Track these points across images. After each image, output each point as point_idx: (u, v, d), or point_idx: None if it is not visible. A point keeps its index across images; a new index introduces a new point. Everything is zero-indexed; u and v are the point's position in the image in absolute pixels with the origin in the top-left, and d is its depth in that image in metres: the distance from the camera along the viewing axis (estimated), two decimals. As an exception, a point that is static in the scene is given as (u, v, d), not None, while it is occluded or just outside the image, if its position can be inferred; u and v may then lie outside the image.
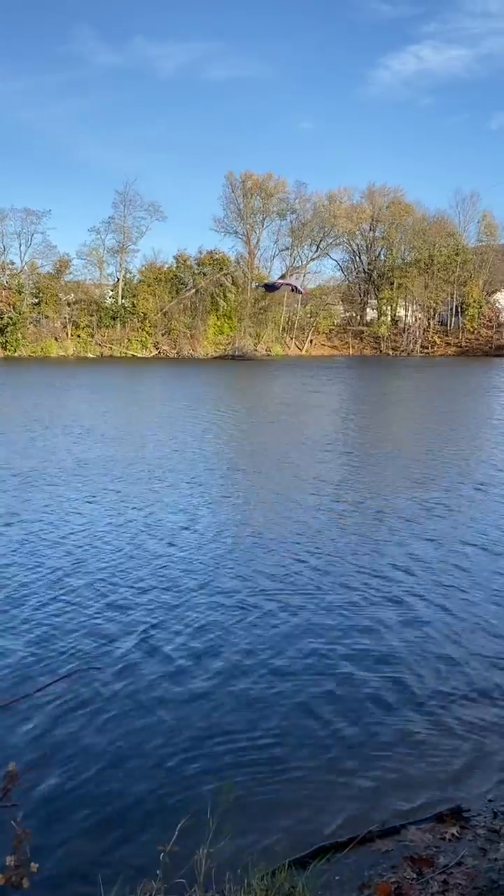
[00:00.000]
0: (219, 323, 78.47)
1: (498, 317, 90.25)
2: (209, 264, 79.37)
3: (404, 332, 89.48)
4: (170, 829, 3.76)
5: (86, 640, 7.26)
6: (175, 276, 78.93)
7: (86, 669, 6.58)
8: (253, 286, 78.69)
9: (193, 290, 77.58)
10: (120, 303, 74.99)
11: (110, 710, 5.93)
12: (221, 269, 79.59)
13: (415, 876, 4.12)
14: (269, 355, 79.37)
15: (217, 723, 5.75)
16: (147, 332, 74.95)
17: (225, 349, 77.24)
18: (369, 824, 4.57)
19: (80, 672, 6.52)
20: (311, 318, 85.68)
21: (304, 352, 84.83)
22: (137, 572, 9.33)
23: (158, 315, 74.99)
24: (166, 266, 79.73)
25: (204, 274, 78.73)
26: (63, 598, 8.39)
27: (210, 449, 19.52)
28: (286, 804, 4.77)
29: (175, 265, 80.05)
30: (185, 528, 11.45)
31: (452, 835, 4.47)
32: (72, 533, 11.14)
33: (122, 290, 76.17)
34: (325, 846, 4.37)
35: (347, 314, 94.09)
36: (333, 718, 5.82)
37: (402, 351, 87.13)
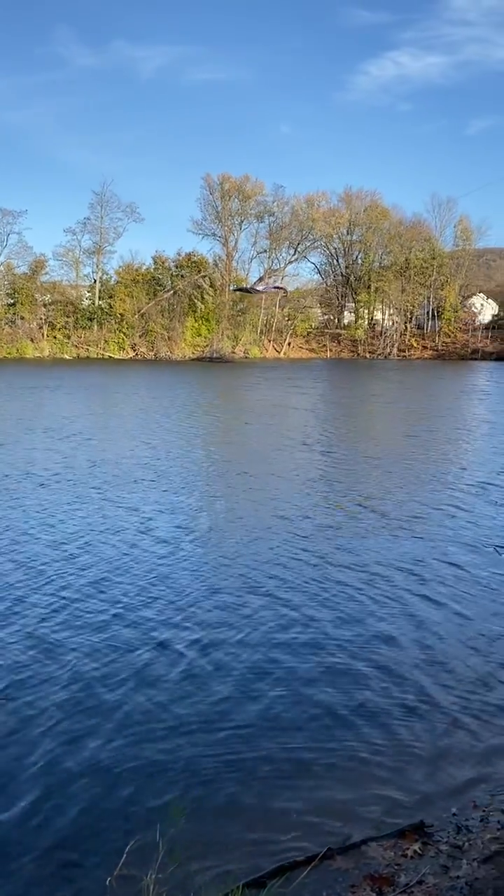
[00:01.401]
0: (196, 325, 78.20)
1: (474, 321, 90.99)
2: (187, 266, 79.11)
3: (381, 335, 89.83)
4: (117, 853, 3.60)
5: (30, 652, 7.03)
6: (153, 277, 78.56)
7: (23, 682, 6.35)
8: (231, 288, 78.54)
9: (171, 292, 77.25)
10: (97, 304, 74.47)
11: (53, 724, 5.69)
12: (199, 271, 79.35)
13: (374, 895, 3.98)
14: (246, 357, 79.24)
15: (167, 739, 5.54)
16: (124, 334, 74.46)
17: (202, 351, 76.95)
18: (330, 842, 4.42)
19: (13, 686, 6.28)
20: (288, 320, 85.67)
21: (281, 354, 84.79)
22: (114, 570, 9.13)
23: (136, 316, 74.53)
24: (144, 267, 79.33)
25: (182, 276, 78.44)
26: (15, 609, 8.15)
27: (194, 451, 19.30)
28: (242, 823, 4.59)
29: (153, 267, 79.70)
30: (172, 528, 11.27)
31: (414, 851, 4.34)
32: (59, 534, 10.95)
33: (99, 291, 75.65)
34: (282, 866, 4.21)
35: (325, 317, 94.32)
36: (291, 734, 5.64)
37: (379, 354, 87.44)
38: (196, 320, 78.14)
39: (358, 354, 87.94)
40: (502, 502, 13.52)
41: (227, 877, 3.98)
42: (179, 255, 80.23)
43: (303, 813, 4.70)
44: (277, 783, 5.01)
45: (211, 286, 79.54)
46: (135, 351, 75.20)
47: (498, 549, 10.55)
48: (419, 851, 4.33)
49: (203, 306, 78.00)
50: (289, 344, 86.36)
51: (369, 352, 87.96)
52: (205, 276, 79.47)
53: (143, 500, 13.38)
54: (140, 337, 75.50)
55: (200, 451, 19.49)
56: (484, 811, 4.70)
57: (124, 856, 3.55)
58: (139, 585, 8.90)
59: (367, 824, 4.60)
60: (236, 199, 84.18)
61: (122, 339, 74.41)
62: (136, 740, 5.47)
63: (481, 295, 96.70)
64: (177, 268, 79.63)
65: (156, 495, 13.82)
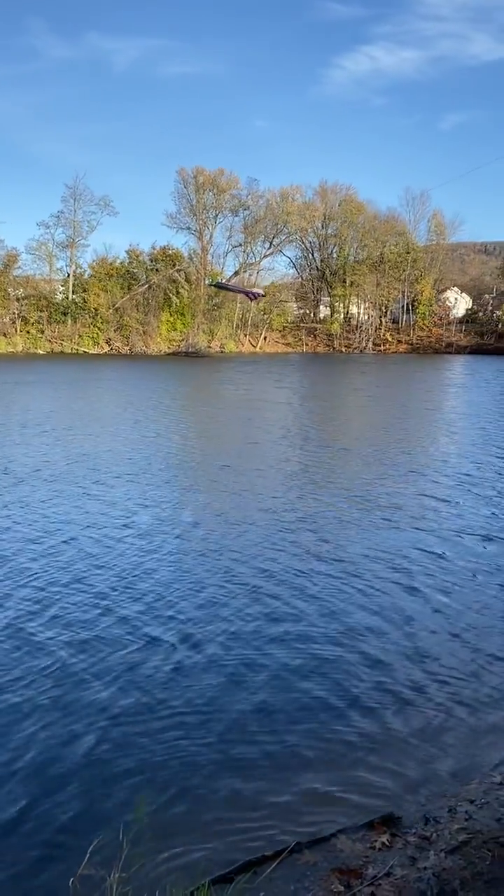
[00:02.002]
0: (172, 319, 77.81)
1: (448, 315, 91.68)
2: (162, 260, 78.64)
3: (357, 329, 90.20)
4: (79, 853, 3.53)
5: None
6: (127, 271, 77.99)
7: None
8: (206, 283, 78.29)
9: (146, 286, 76.77)
10: (70, 298, 73.75)
11: (10, 721, 5.60)
12: (174, 264, 78.92)
13: (342, 889, 3.96)
14: (222, 352, 79.11)
15: (130, 735, 5.46)
16: (99, 328, 73.86)
17: (178, 346, 76.64)
18: (298, 835, 4.39)
19: None
20: (264, 315, 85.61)
21: (257, 349, 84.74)
22: (99, 565, 9.02)
23: (110, 311, 73.94)
24: (118, 261, 78.70)
25: (157, 269, 77.95)
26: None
27: (174, 445, 19.15)
28: (208, 818, 4.54)
29: (127, 260, 79.13)
30: (155, 522, 11.16)
31: (383, 843, 4.32)
32: (41, 530, 10.81)
33: (73, 285, 74.94)
34: (250, 861, 4.17)
35: (301, 311, 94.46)
36: (259, 726, 5.60)
37: (355, 348, 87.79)
38: (171, 314, 77.75)
39: (334, 349, 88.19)
40: (484, 494, 13.63)
41: (193, 873, 3.93)
42: (154, 248, 79.76)
43: (271, 807, 4.66)
44: (244, 778, 4.96)
45: (186, 280, 79.20)
46: (109, 345, 74.66)
47: (484, 540, 10.62)
48: (387, 843, 4.32)
49: (178, 300, 77.63)
50: (265, 338, 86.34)
51: (345, 346, 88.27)
52: (180, 270, 79.10)
53: (125, 494, 13.25)
54: (115, 331, 74.97)
55: (181, 446, 19.37)
56: (452, 802, 4.70)
57: (87, 855, 3.48)
58: (125, 580, 8.82)
59: (336, 817, 4.58)
60: (211, 193, 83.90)
61: (97, 333, 73.81)
62: (99, 737, 5.39)
63: (455, 289, 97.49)
64: (151, 262, 79.13)
65: (138, 490, 13.70)
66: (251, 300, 74.47)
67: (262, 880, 4.01)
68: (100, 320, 73.66)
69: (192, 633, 7.27)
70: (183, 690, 6.10)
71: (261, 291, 69.79)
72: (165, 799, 4.68)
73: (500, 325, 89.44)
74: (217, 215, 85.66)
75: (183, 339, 77.35)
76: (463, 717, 5.78)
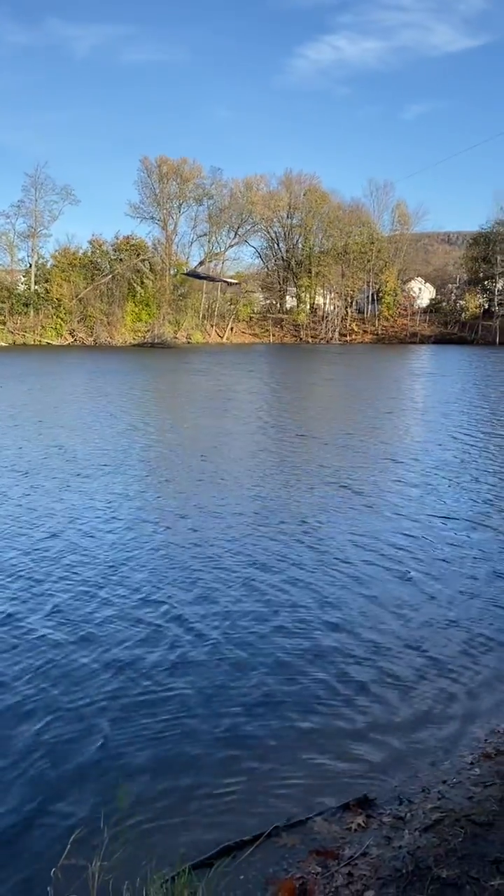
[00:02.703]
0: (136, 309, 77.23)
1: (412, 305, 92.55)
2: (126, 250, 77.94)
3: (323, 319, 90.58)
4: (61, 842, 3.55)
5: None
6: (90, 261, 77.15)
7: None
8: (171, 272, 77.88)
9: (110, 276, 76.01)
10: (33, 289, 72.73)
11: None
12: (138, 254, 78.29)
13: (320, 870, 4.03)
14: (189, 342, 78.80)
15: (107, 723, 5.47)
16: (62, 319, 72.99)
17: (143, 336, 76.12)
18: (277, 819, 4.46)
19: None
20: (230, 305, 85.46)
21: (224, 339, 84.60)
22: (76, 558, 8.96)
23: (74, 301, 73.11)
24: (81, 251, 77.81)
25: (120, 259, 77.24)
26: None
27: (149, 436, 19.09)
28: (188, 805, 4.59)
29: (90, 250, 78.25)
30: (136, 513, 11.13)
31: (359, 824, 4.41)
32: (24, 523, 10.76)
33: (35, 275, 73.88)
34: (229, 846, 4.23)
35: (267, 302, 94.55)
36: (236, 713, 5.66)
37: (322, 338, 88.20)
38: (136, 305, 77.18)
39: (300, 339, 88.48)
40: (461, 480, 13.94)
41: (173, 859, 3.97)
42: (117, 238, 79.03)
43: (248, 793, 4.73)
44: (222, 763, 5.01)
45: (151, 270, 78.62)
46: (73, 337, 73.87)
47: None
48: (363, 824, 4.41)
49: (143, 291, 77.08)
50: (231, 329, 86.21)
51: (312, 336, 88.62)
52: (144, 260, 78.49)
53: (106, 487, 13.20)
54: (78, 322, 74.19)
55: (158, 437, 19.31)
56: (425, 782, 4.81)
57: (69, 845, 3.50)
58: (118, 571, 8.84)
59: (313, 800, 4.66)
60: (174, 182, 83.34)
61: (60, 324, 72.95)
62: (77, 727, 5.40)
63: (419, 279, 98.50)
64: (115, 251, 78.40)
65: (119, 482, 13.65)
66: (227, 287, 74.62)
67: (241, 864, 4.07)
68: (63, 311, 72.79)
69: (170, 624, 7.29)
70: (159, 679, 6.12)
71: (234, 280, 69.89)
72: (145, 787, 4.71)
73: (463, 315, 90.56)
74: (181, 205, 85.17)
75: (148, 330, 76.83)
76: (434, 700, 5.90)
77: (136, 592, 8.12)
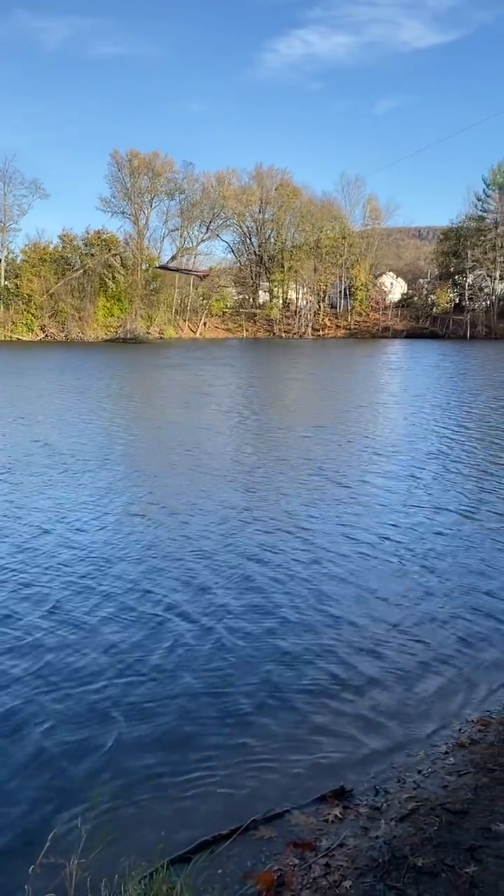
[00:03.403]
0: (108, 305, 76.72)
1: (384, 299, 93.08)
2: (97, 244, 77.36)
3: (296, 314, 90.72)
4: (38, 842, 3.53)
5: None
6: (61, 256, 76.46)
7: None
8: (143, 268, 77.43)
9: (80, 271, 75.35)
10: (2, 284, 71.86)
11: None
12: (110, 249, 77.71)
13: (297, 862, 4.06)
14: (161, 338, 78.48)
15: (82, 719, 5.45)
16: (32, 315, 72.25)
17: (116, 332, 75.67)
18: (254, 813, 4.48)
19: None
20: (203, 300, 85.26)
21: (197, 334, 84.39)
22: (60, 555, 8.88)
23: (44, 297, 72.36)
24: (51, 246, 77.04)
25: (91, 254, 76.62)
26: None
27: (132, 432, 19.01)
28: (166, 800, 4.58)
29: (61, 245, 77.49)
30: (123, 506, 11.07)
31: (336, 816, 4.45)
32: (21, 521, 10.70)
33: (5, 271, 72.99)
34: (207, 840, 4.24)
35: (240, 296, 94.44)
36: (209, 707, 5.66)
37: (295, 333, 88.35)
38: (108, 300, 76.67)
39: (273, 334, 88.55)
40: (446, 473, 14.19)
41: (151, 855, 3.97)
42: (88, 233, 78.42)
43: (226, 786, 4.74)
44: (198, 758, 5.01)
45: (122, 265, 78.10)
46: (44, 332, 73.17)
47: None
48: (340, 816, 4.45)
49: (115, 285, 76.58)
50: (204, 324, 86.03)
51: (285, 331, 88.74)
52: (115, 255, 77.93)
53: (92, 482, 13.17)
54: (50, 318, 73.50)
55: (139, 433, 19.25)
56: (401, 772, 4.87)
57: (48, 842, 3.48)
58: (98, 565, 8.85)
59: (290, 793, 4.68)
60: (146, 176, 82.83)
61: (31, 320, 72.20)
62: (54, 724, 5.36)
63: (391, 274, 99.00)
64: (86, 246, 77.77)
65: (105, 477, 13.64)
66: (200, 279, 74.36)
67: (219, 857, 4.09)
68: (34, 306, 72.06)
69: (151, 616, 7.27)
70: (136, 672, 6.10)
71: (205, 270, 69.81)
72: (122, 783, 4.69)
73: (434, 310, 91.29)
74: (153, 199, 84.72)
75: (121, 325, 76.40)
76: (409, 691, 5.96)
77: (128, 584, 8.10)
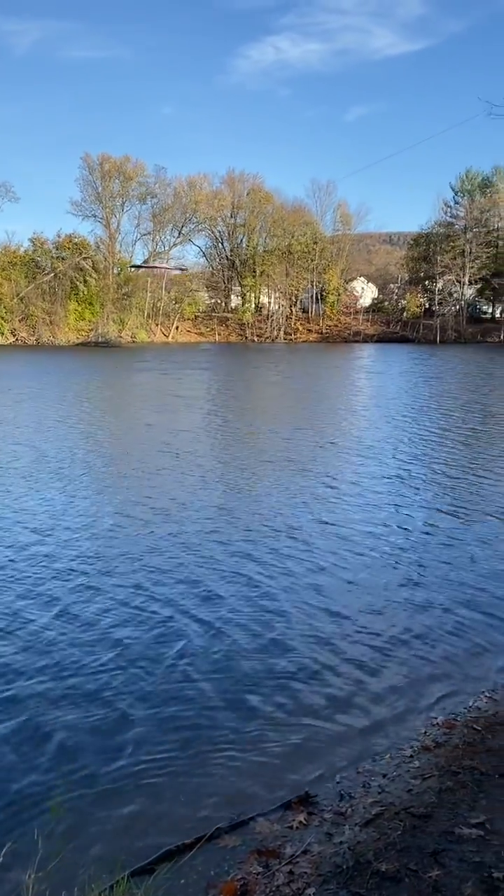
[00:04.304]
0: (80, 308, 76.22)
1: (356, 304, 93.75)
2: (68, 248, 76.81)
3: (268, 318, 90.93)
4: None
5: None
6: (31, 259, 75.79)
7: None
8: (115, 271, 77.07)
9: (51, 275, 74.74)
10: (-28, 287, 70.99)
11: None
12: (81, 253, 77.20)
13: (261, 869, 4.02)
14: (134, 342, 78.10)
15: (37, 726, 5.36)
16: (2, 318, 71.48)
17: (87, 336, 75.16)
18: (218, 821, 4.43)
19: None
20: (175, 304, 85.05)
21: (169, 338, 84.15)
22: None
23: (15, 300, 71.61)
24: (22, 249, 76.33)
25: (62, 258, 76.05)
26: None
27: (114, 437, 18.82)
28: (126, 810, 4.50)
29: (31, 249, 76.84)
30: (118, 512, 10.92)
31: (300, 822, 4.42)
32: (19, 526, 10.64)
33: (-26, 273, 72.13)
34: (170, 850, 4.18)
35: (212, 301, 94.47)
36: (171, 713, 5.59)
37: (267, 337, 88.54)
38: (79, 304, 76.18)
39: (246, 338, 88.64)
40: (427, 474, 14.40)
41: (112, 867, 3.90)
42: (59, 236, 77.85)
43: (189, 795, 4.68)
44: (160, 766, 4.94)
45: (94, 268, 77.65)
46: (14, 336, 72.40)
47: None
48: (304, 822, 4.42)
49: (86, 289, 76.10)
50: (177, 328, 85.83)
51: (257, 335, 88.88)
52: (87, 258, 77.45)
53: (77, 488, 13.05)
54: (20, 321, 72.75)
55: (122, 438, 19.10)
56: (366, 776, 4.85)
57: (2, 856, 3.41)
58: (61, 569, 8.78)
59: (255, 800, 4.64)
60: (117, 180, 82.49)
61: (1, 323, 71.39)
62: (9, 731, 5.27)
63: (362, 279, 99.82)
64: (57, 249, 77.15)
65: (90, 482, 13.59)
66: (180, 271, 74.33)
67: (182, 867, 4.03)
68: (3, 310, 71.29)
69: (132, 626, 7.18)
70: (100, 676, 6.02)
71: (179, 269, 69.58)
72: (82, 793, 4.61)
73: (404, 314, 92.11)
74: (124, 203, 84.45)
75: (92, 329, 75.91)
76: (374, 694, 5.95)
77: (121, 583, 8.00)
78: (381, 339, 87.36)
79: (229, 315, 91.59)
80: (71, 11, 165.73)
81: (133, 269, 74.74)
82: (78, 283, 75.79)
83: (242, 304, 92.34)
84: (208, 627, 7.16)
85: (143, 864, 4.06)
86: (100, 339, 73.98)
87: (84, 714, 5.58)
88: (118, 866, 3.88)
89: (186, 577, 8.56)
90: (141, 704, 5.72)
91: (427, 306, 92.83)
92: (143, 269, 74.56)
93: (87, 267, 77.11)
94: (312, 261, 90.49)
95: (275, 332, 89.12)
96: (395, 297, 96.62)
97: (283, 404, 28.63)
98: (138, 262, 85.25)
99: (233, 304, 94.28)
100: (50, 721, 5.47)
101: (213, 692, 5.93)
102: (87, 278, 76.67)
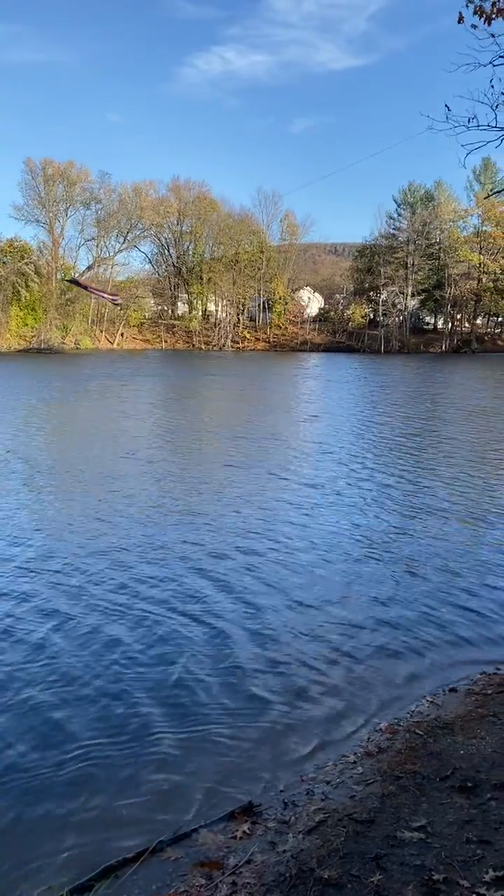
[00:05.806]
0: (22, 314, 74.82)
1: (302, 313, 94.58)
2: (9, 252, 75.39)
3: (215, 326, 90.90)
4: None
5: None
6: (-28, 263, 74.09)
7: None
8: (58, 277, 75.95)
9: (-8, 280, 73.22)
10: None
11: None
12: (23, 257, 75.85)
13: (204, 881, 3.98)
14: (78, 348, 77.05)
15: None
16: None
17: (30, 342, 73.78)
18: (160, 834, 4.36)
19: None
20: (121, 310, 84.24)
21: (115, 345, 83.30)
22: None
23: (-46, 305, 69.86)
24: (-38, 253, 74.58)
25: (3, 262, 74.57)
26: None
27: (65, 446, 18.42)
28: (64, 824, 4.39)
29: (-28, 252, 75.14)
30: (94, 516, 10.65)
31: (244, 832, 4.39)
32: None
33: None
34: (111, 865, 4.09)
35: (158, 307, 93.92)
36: (113, 728, 5.50)
37: (214, 345, 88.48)
38: (21, 309, 74.78)
39: (193, 345, 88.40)
40: (395, 477, 14.59)
41: (50, 883, 3.80)
42: (0, 240, 76.24)
43: (130, 808, 4.60)
44: (101, 779, 4.85)
45: (37, 273, 76.39)
46: (-45, 342, 70.56)
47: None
48: (248, 832, 4.39)
49: (28, 294, 74.74)
50: (122, 335, 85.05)
51: (204, 343, 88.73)
52: (28, 263, 76.14)
53: (35, 499, 12.83)
54: (-40, 327, 70.98)
55: (88, 443, 18.66)
56: (310, 784, 4.85)
57: None
58: (39, 580, 8.58)
59: (198, 811, 4.59)
60: (61, 185, 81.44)
61: None
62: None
63: (308, 288, 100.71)
64: (-2, 254, 75.66)
65: (55, 488, 13.51)
66: (114, 305, 72.99)
67: (124, 883, 3.95)
68: None
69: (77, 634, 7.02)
70: (27, 701, 5.88)
71: (119, 300, 67.80)
72: (16, 808, 4.48)
73: (350, 324, 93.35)
74: (68, 208, 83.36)
75: (35, 335, 74.56)
76: (318, 701, 5.97)
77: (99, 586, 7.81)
78: (328, 349, 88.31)
79: (176, 322, 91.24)
80: (16, 13, 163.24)
81: (68, 283, 73.54)
82: (20, 288, 74.43)
83: (189, 312, 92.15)
84: (146, 631, 7.08)
85: (82, 880, 3.97)
86: (42, 346, 72.73)
87: (22, 721, 5.43)
88: (56, 884, 3.79)
89: (120, 583, 8.45)
90: (78, 715, 5.60)
91: (371, 317, 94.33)
92: (80, 286, 73.07)
93: (30, 272, 75.80)
94: (259, 269, 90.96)
95: (222, 340, 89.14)
96: (341, 307, 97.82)
97: (245, 415, 28.64)
98: (83, 268, 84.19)
99: (179, 312, 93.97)
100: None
101: (156, 704, 5.85)
102: (30, 283, 75.37)
